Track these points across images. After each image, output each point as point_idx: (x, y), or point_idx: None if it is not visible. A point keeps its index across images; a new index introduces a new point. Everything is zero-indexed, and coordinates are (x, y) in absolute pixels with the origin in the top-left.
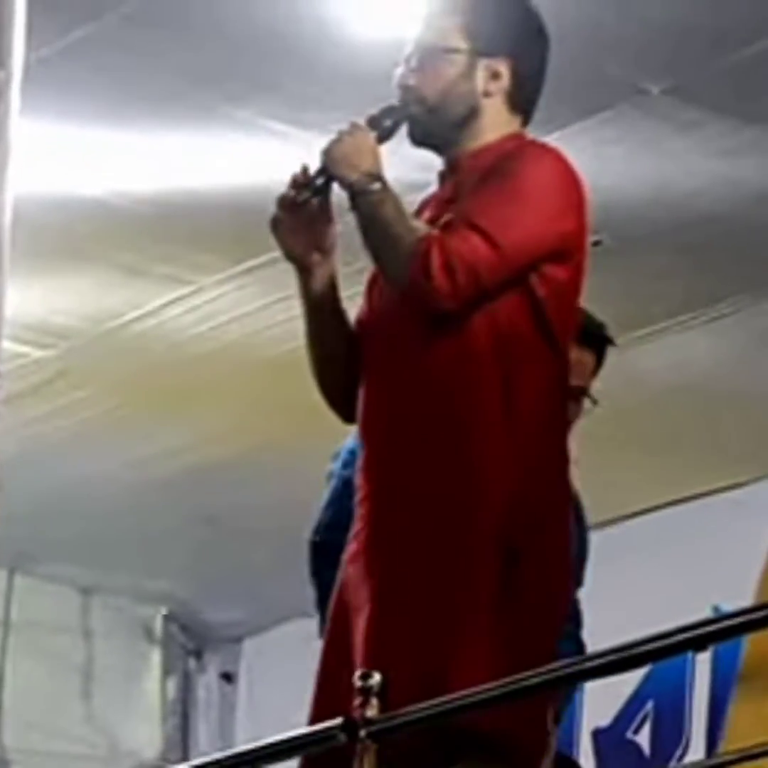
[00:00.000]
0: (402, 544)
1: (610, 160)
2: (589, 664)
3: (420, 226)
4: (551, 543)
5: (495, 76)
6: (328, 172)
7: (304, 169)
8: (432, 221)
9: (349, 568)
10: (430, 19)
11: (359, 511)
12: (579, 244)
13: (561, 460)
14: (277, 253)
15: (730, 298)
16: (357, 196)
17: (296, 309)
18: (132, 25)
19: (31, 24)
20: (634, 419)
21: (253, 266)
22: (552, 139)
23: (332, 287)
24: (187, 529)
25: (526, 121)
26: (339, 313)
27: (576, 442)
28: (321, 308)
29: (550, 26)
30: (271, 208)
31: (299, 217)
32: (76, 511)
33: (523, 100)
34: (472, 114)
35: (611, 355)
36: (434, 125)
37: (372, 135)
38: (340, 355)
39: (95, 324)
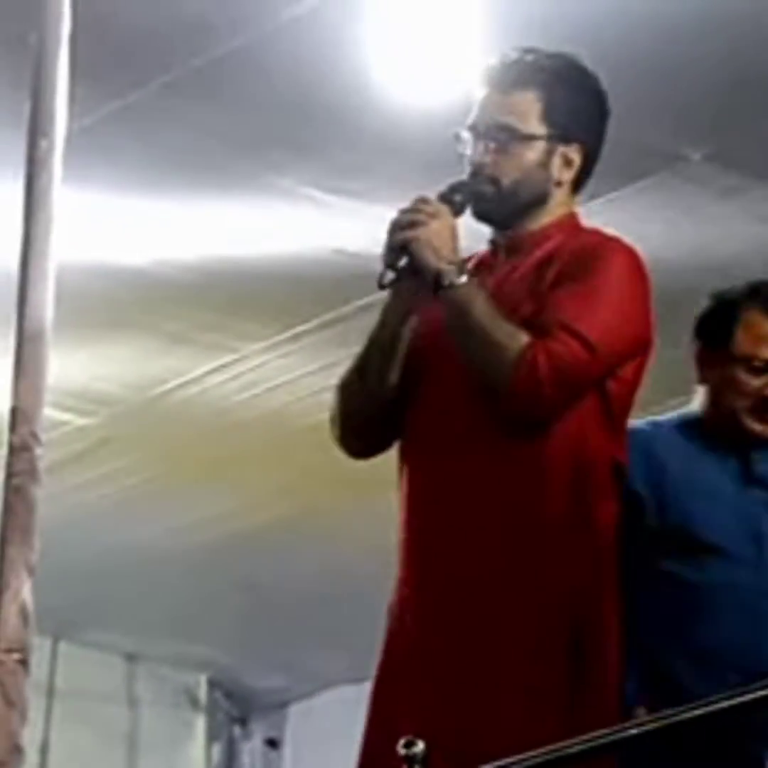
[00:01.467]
0: (462, 638)
1: (652, 226)
2: (631, 732)
3: (515, 328)
4: (607, 629)
5: (568, 163)
6: (410, 254)
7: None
8: (510, 308)
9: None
10: (506, 96)
11: (403, 590)
12: (649, 343)
13: (611, 542)
14: (319, 320)
15: None
16: (445, 289)
17: (338, 377)
18: (174, 93)
19: (73, 92)
20: None
21: (295, 334)
22: (593, 207)
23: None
24: (231, 595)
25: (577, 193)
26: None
27: None
28: (396, 346)
29: None
30: (313, 276)
31: None
32: (119, 579)
33: (583, 179)
34: (541, 200)
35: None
36: (504, 207)
37: (450, 216)
38: (385, 396)
39: (138, 391)
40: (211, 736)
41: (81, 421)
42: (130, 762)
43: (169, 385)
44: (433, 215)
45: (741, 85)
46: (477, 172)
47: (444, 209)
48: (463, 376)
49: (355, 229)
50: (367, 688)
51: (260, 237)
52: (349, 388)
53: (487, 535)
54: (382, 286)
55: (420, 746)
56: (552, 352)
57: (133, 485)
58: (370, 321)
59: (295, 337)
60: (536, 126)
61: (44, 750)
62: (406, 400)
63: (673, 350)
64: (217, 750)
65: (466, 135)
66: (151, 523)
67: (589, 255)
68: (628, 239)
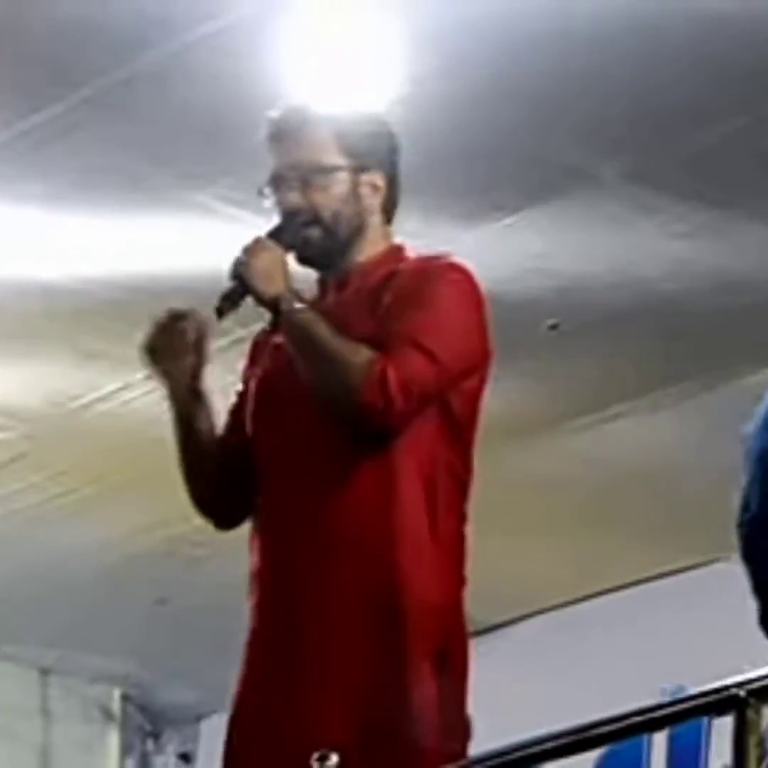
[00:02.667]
0: (315, 668)
1: (568, 243)
2: (545, 746)
3: (358, 344)
4: (465, 640)
5: (375, 189)
6: (245, 286)
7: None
8: (348, 329)
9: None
10: (299, 138)
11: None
12: (488, 356)
13: (461, 556)
14: (235, 336)
15: (688, 381)
16: (285, 314)
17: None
18: (90, 109)
19: None
20: (591, 502)
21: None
22: (511, 222)
23: (203, 395)
24: (144, 609)
25: (389, 223)
26: (210, 421)
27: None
28: (195, 416)
29: (511, 110)
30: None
31: (186, 328)
32: (33, 593)
33: (391, 209)
34: (360, 230)
35: (570, 438)
36: (330, 245)
37: (279, 249)
38: (212, 463)
39: (55, 406)
40: (125, 750)
41: None
42: None
43: (86, 400)
44: (262, 249)
45: (659, 103)
46: (293, 214)
47: (271, 243)
48: (303, 407)
49: None
50: None
51: (176, 252)
52: (185, 475)
53: (339, 556)
54: (220, 316)
55: (334, 759)
56: (399, 364)
57: (50, 499)
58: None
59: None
60: (336, 158)
61: None
62: (252, 459)
63: (585, 368)
64: (130, 764)
65: (268, 190)
66: (65, 537)
67: (424, 276)
68: (544, 256)
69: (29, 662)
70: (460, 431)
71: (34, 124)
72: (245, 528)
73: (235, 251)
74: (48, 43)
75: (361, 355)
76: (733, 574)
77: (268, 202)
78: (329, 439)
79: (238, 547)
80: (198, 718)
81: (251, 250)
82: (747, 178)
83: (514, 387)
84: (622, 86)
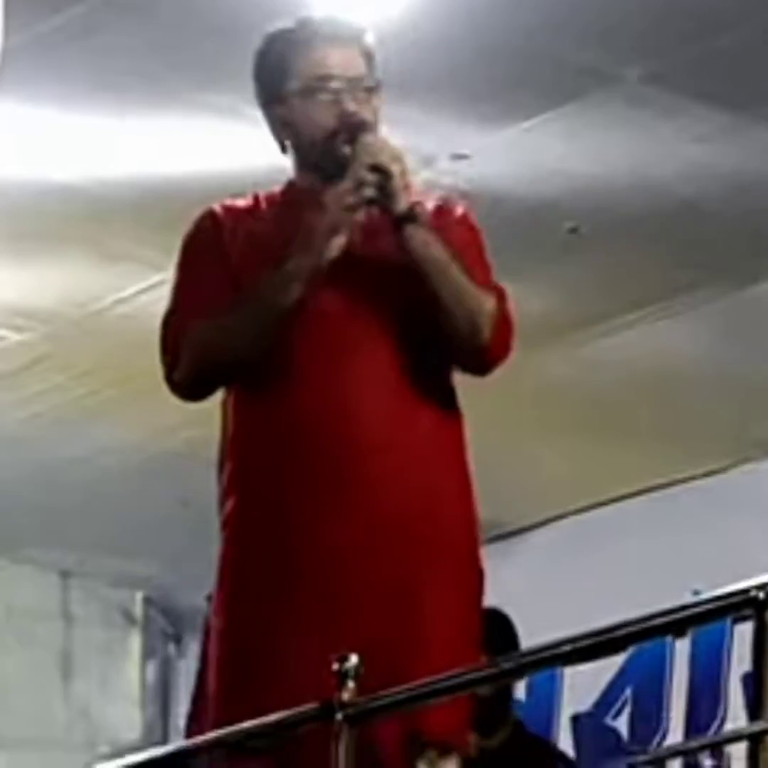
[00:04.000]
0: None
1: (586, 147)
2: (568, 648)
3: (478, 287)
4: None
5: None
6: (384, 185)
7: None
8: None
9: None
10: (346, 51)
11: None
12: None
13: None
14: None
15: (706, 287)
16: (416, 224)
17: None
18: (110, 9)
19: (8, 8)
20: (611, 407)
21: None
22: (529, 126)
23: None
24: (167, 512)
25: None
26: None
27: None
28: (305, 284)
29: (529, 13)
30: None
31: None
32: (56, 496)
33: None
34: None
35: (587, 344)
36: None
37: None
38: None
39: (75, 308)
40: (146, 654)
41: (17, 338)
42: (64, 679)
43: (107, 302)
44: (401, 153)
45: (678, 5)
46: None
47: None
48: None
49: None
50: None
51: (198, 155)
52: (225, 338)
53: (384, 457)
54: (353, 208)
55: (353, 661)
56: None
57: (69, 402)
58: None
59: None
60: (375, 77)
61: None
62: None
63: (603, 273)
64: (151, 668)
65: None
66: (88, 440)
67: (457, 218)
68: (562, 160)
69: (50, 565)
70: None
71: (53, 27)
72: None
73: (257, 153)
74: None
75: (488, 300)
76: (751, 479)
77: (324, 97)
78: (399, 360)
79: None
80: None
81: (396, 154)
82: (767, 81)
83: (533, 291)
84: None
